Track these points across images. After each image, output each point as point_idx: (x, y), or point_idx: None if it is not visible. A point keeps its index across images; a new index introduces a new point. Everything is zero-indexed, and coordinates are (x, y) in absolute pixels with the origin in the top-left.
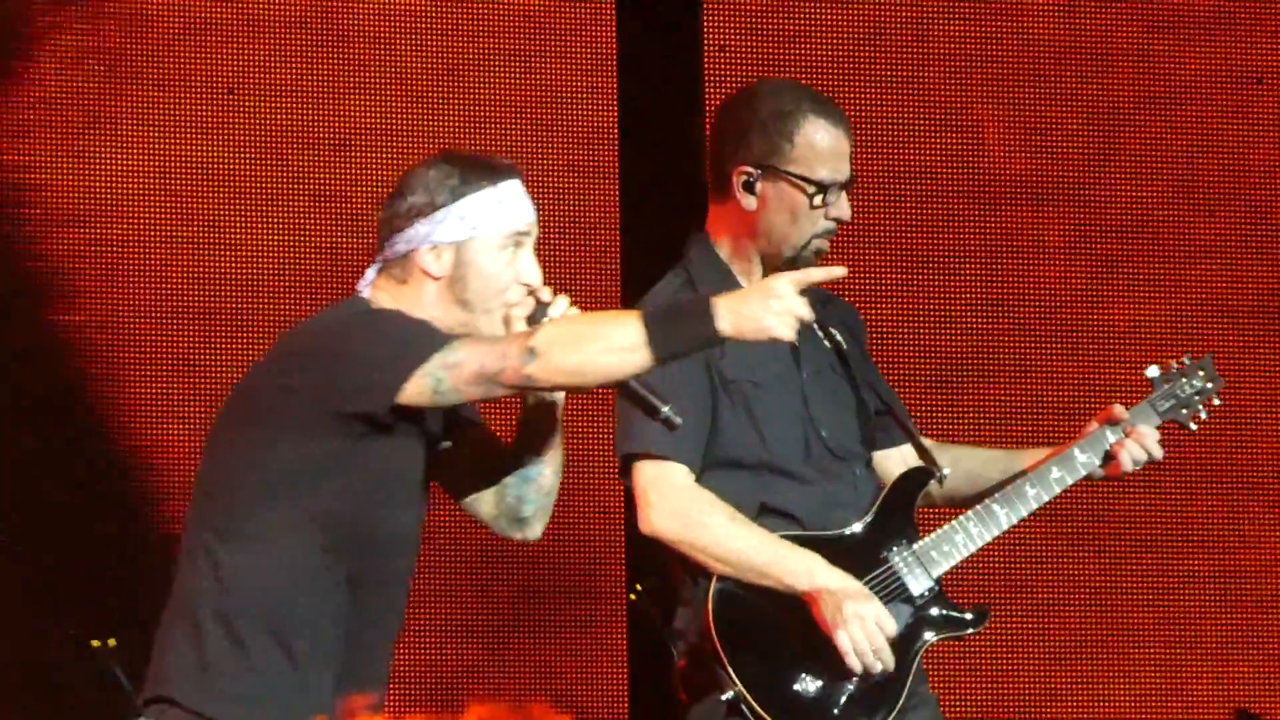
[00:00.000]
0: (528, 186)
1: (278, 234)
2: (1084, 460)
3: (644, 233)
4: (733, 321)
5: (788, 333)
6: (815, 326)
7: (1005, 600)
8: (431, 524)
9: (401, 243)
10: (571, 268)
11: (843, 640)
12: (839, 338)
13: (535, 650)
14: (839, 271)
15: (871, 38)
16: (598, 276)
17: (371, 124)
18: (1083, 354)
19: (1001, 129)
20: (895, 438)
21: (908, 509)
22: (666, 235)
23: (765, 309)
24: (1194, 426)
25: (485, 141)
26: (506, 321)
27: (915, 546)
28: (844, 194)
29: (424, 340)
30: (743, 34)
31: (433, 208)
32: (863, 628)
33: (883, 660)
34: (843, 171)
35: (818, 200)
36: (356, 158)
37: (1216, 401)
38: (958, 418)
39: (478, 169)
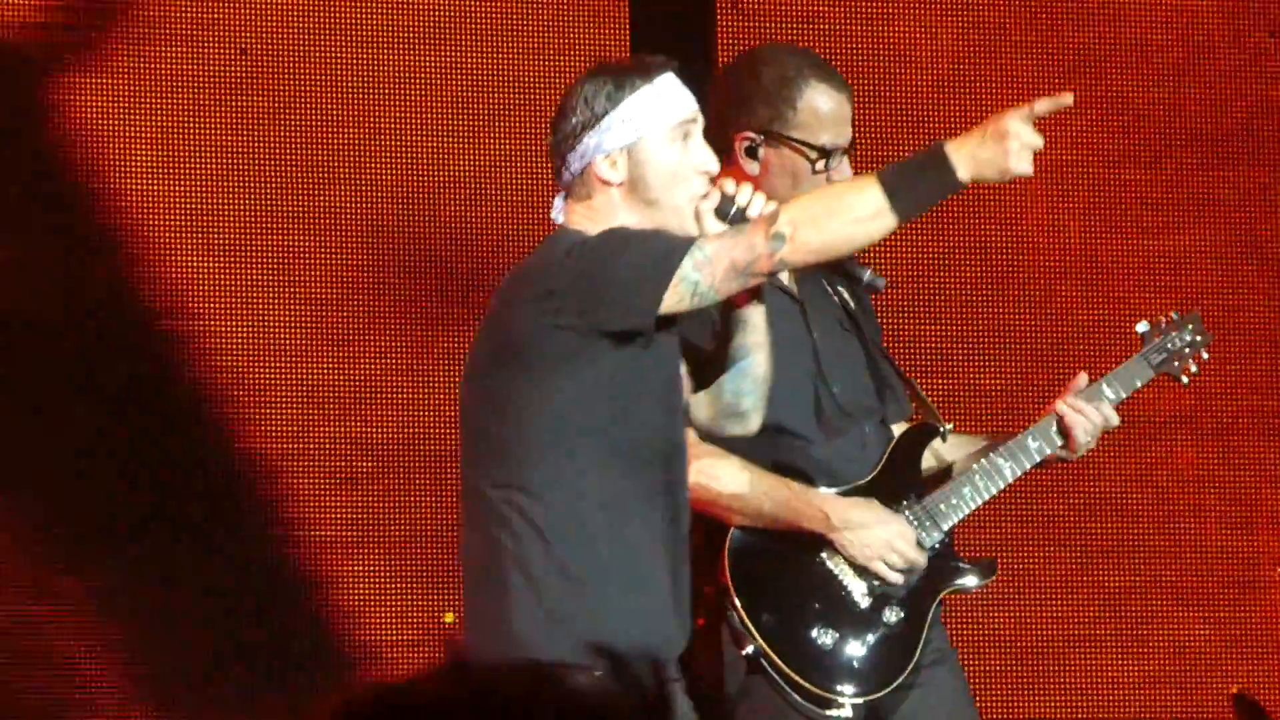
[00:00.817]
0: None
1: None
2: (1048, 434)
3: None
4: (971, 167)
5: (1027, 167)
6: (824, 283)
7: (1003, 592)
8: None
9: (576, 161)
10: None
11: (881, 570)
12: (846, 295)
13: None
14: (1067, 99)
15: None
16: None
17: (388, 121)
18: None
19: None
20: (904, 406)
21: (914, 464)
22: None
23: (1002, 150)
24: (1186, 380)
25: (493, 109)
26: (697, 216)
27: (924, 501)
28: (845, 158)
29: (672, 248)
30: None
31: (596, 118)
32: (894, 549)
33: (916, 564)
34: (844, 136)
35: (820, 165)
36: (378, 155)
37: (1205, 355)
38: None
39: (631, 71)
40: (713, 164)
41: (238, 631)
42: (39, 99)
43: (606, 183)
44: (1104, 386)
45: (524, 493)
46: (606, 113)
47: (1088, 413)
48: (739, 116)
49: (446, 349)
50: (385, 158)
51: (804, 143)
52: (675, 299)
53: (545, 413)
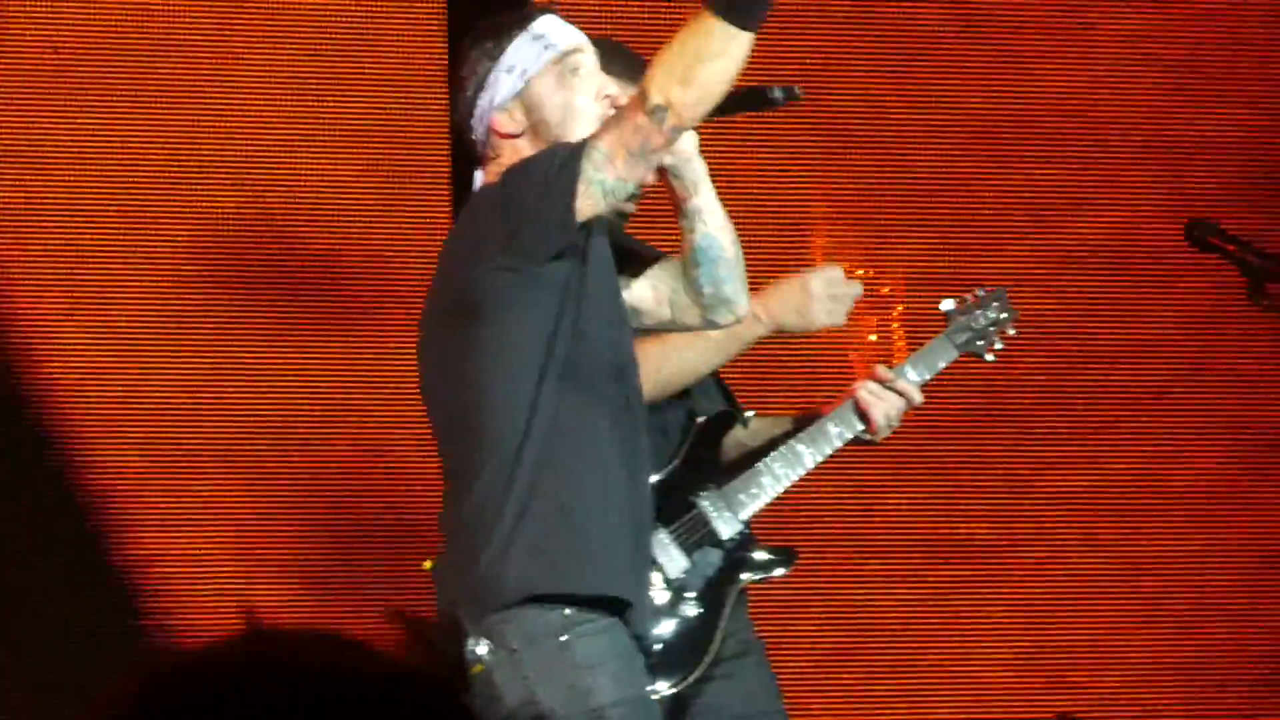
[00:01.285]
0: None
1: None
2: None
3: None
4: None
5: None
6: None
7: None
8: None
9: (478, 126)
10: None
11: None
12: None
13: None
14: None
15: None
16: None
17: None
18: None
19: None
20: (713, 398)
21: (714, 452)
22: None
23: None
24: (990, 357)
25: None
26: None
27: (724, 489)
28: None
29: (567, 156)
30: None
31: (482, 78)
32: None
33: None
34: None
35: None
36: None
37: (1011, 331)
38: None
39: (507, 23)
40: (608, 87)
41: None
42: None
43: (509, 136)
44: (907, 368)
45: (496, 441)
46: (490, 69)
47: (885, 395)
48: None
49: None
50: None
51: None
52: (589, 204)
53: (503, 358)
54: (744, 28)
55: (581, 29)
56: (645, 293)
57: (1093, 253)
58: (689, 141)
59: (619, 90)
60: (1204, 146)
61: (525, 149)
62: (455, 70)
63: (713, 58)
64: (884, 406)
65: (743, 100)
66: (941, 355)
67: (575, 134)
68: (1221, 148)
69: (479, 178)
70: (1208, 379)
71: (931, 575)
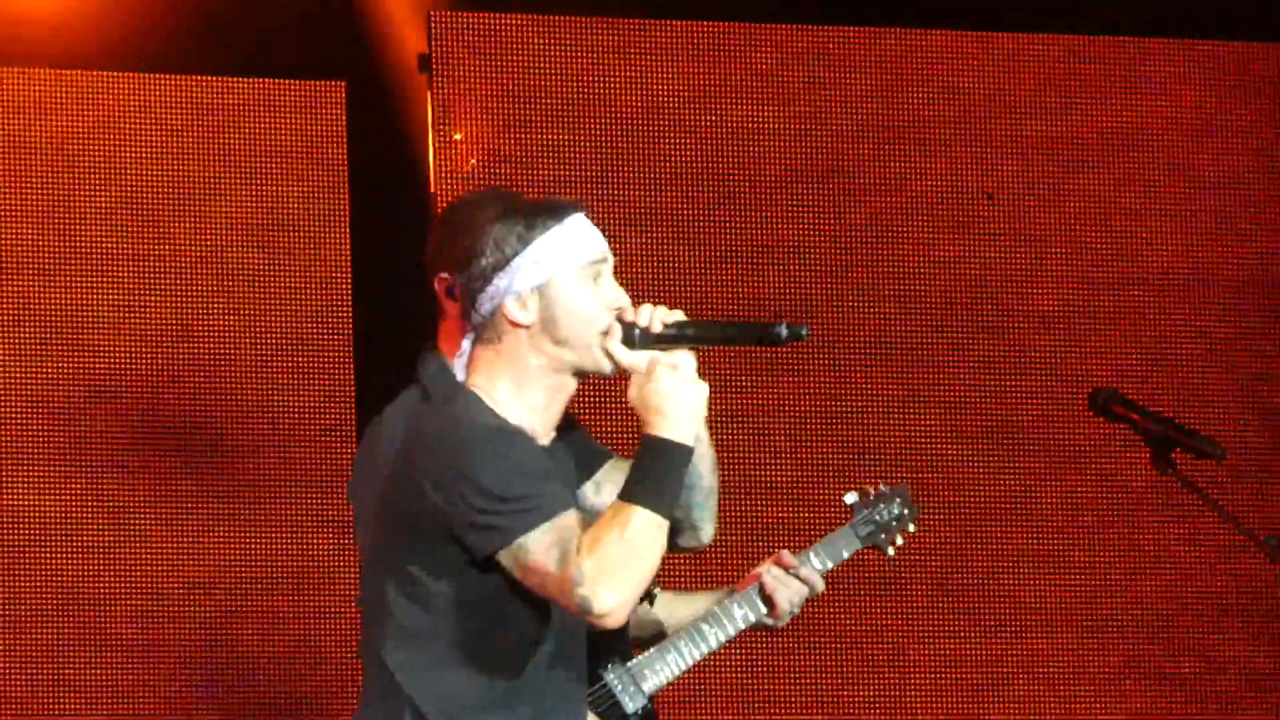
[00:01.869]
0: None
1: None
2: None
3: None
4: (680, 429)
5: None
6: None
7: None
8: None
9: (486, 303)
10: (304, 364)
11: None
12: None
13: None
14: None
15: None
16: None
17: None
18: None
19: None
20: None
21: (621, 628)
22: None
23: (683, 396)
24: (891, 551)
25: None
26: (607, 354)
27: (629, 664)
28: None
29: (517, 519)
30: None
31: (506, 260)
32: None
33: None
34: None
35: None
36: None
37: (912, 528)
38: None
39: (541, 212)
40: (623, 299)
41: None
42: None
43: (516, 324)
44: (810, 555)
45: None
46: (517, 253)
47: (789, 582)
48: (442, 255)
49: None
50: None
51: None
52: (503, 562)
53: (431, 592)
54: (667, 516)
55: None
56: (608, 500)
57: (996, 426)
58: (689, 368)
59: (626, 303)
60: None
61: (524, 341)
62: (471, 238)
63: (645, 556)
64: (787, 593)
65: (748, 336)
66: (845, 545)
67: (582, 338)
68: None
69: (466, 348)
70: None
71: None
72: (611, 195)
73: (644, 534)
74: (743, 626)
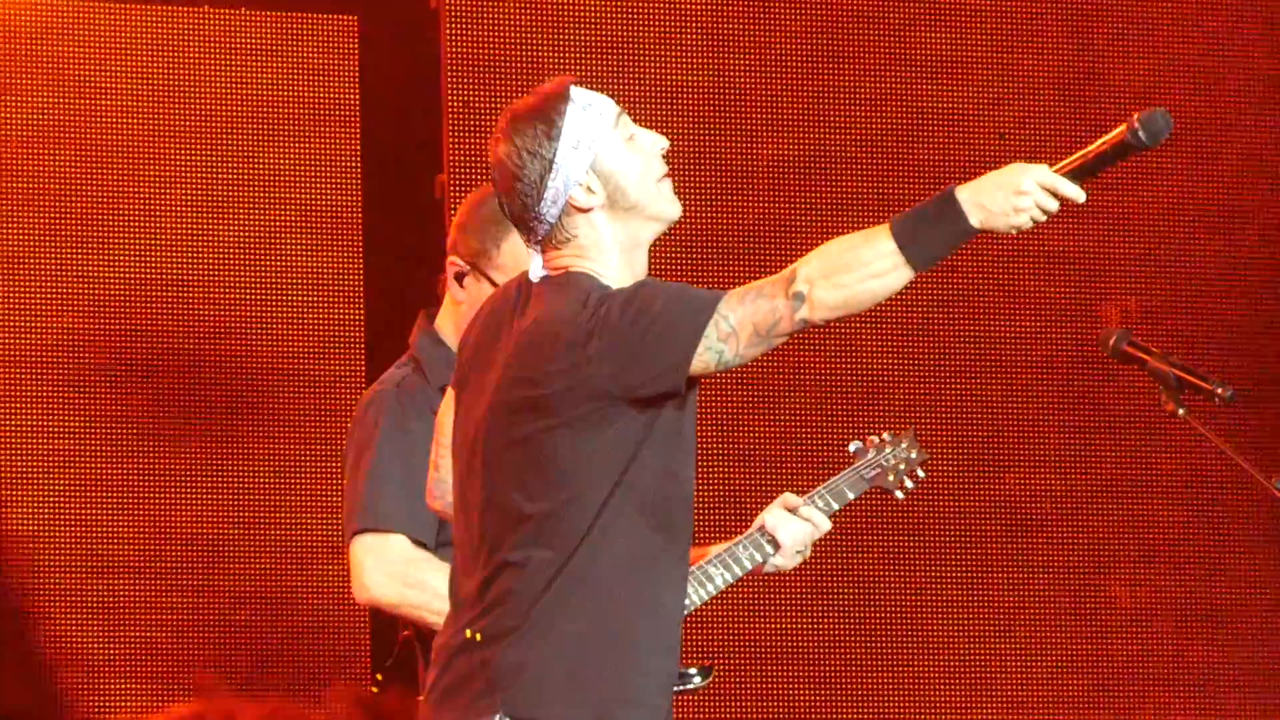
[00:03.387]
0: None
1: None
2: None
3: (385, 281)
4: (981, 216)
5: (1028, 223)
6: None
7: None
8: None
9: (551, 208)
10: (314, 305)
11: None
12: None
13: None
14: (1079, 197)
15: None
16: (341, 313)
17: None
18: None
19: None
20: None
21: None
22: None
23: (1009, 203)
24: (901, 495)
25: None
26: (664, 194)
27: None
28: None
29: (698, 312)
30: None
31: (549, 161)
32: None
33: None
34: None
35: None
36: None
37: (921, 473)
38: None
39: (547, 105)
40: (662, 140)
41: None
42: None
43: (587, 209)
44: (814, 498)
45: (555, 550)
46: (555, 150)
47: (790, 521)
48: (456, 242)
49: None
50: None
51: (495, 284)
52: (701, 365)
53: (580, 472)
54: (912, 264)
55: None
56: None
57: (1006, 358)
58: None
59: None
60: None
61: (601, 223)
62: (502, 166)
63: (871, 275)
64: (790, 531)
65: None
66: (850, 487)
67: (647, 193)
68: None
69: (539, 264)
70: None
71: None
72: None
73: (880, 259)
74: (749, 567)
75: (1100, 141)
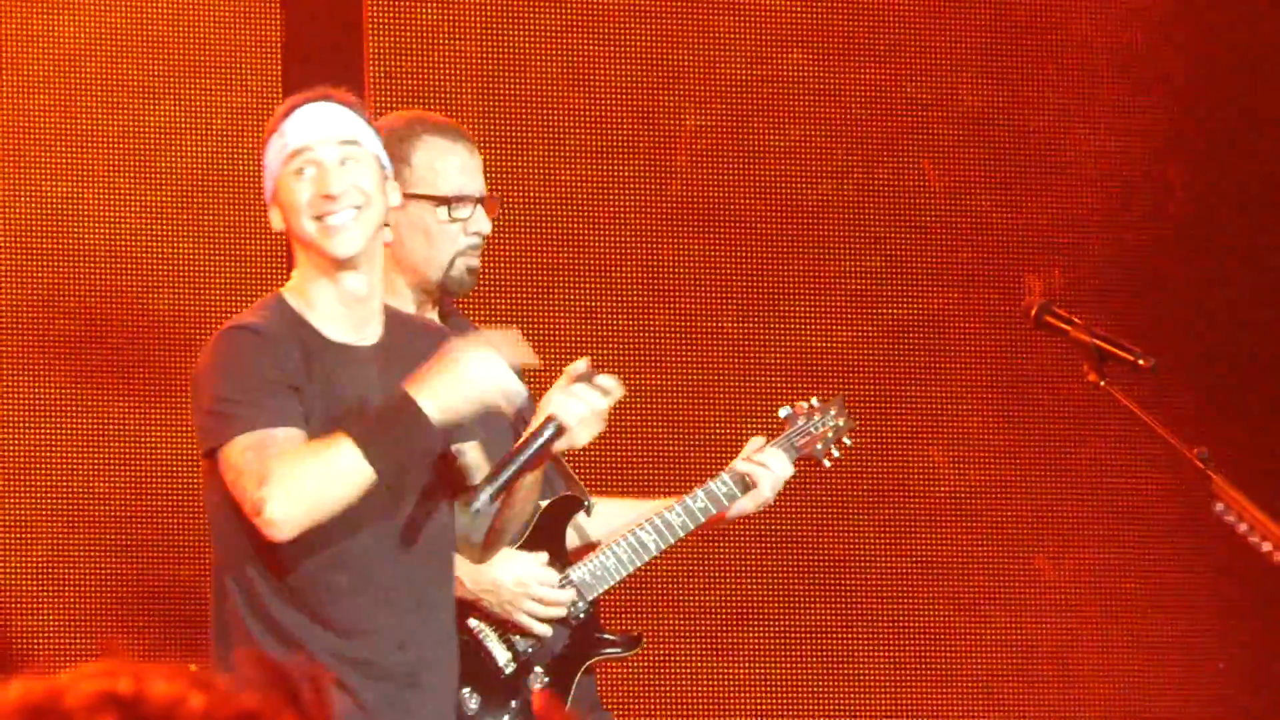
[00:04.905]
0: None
1: None
2: (725, 491)
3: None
4: (439, 406)
5: (501, 400)
6: None
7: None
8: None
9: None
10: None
11: (526, 622)
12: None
13: None
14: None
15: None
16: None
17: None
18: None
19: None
20: (554, 485)
21: (558, 536)
22: None
23: (462, 379)
24: (828, 463)
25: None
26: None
27: (570, 572)
28: (478, 207)
29: (223, 423)
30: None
31: (267, 172)
32: (530, 595)
33: (559, 601)
34: (471, 186)
35: (443, 215)
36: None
37: (848, 441)
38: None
39: (276, 119)
40: (332, 185)
41: None
42: None
43: (280, 232)
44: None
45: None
46: (265, 166)
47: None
48: None
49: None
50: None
51: (425, 196)
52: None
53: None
54: (373, 463)
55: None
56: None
57: (932, 329)
58: (493, 365)
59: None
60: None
61: (296, 246)
62: None
63: (331, 480)
64: (770, 476)
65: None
66: (779, 459)
67: (302, 234)
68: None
69: None
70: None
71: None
72: (559, 112)
73: (342, 465)
74: (681, 534)
75: (525, 435)
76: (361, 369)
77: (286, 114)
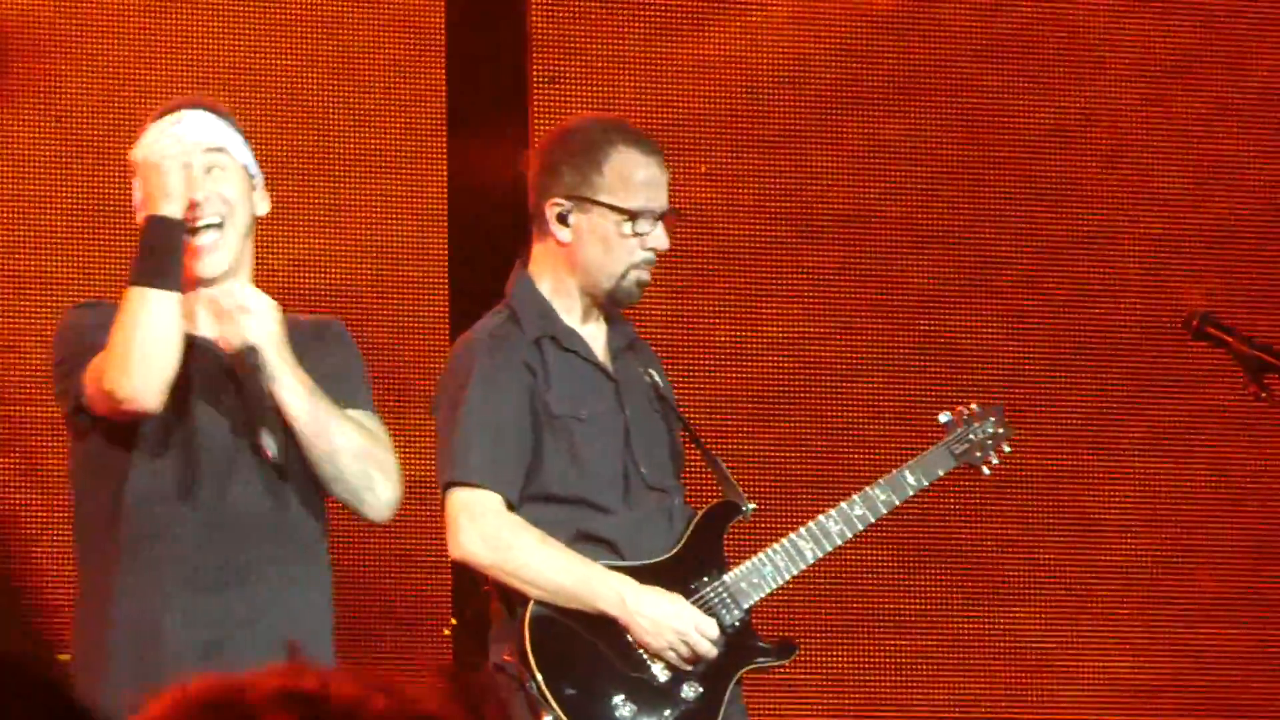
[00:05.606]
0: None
1: None
2: (884, 499)
3: (470, 249)
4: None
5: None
6: (636, 365)
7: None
8: None
9: None
10: (398, 280)
11: (670, 658)
12: (655, 377)
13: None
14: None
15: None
16: (425, 292)
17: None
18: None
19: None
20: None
21: (716, 541)
22: (493, 252)
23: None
24: (988, 471)
25: (311, 147)
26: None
27: (725, 578)
28: (660, 224)
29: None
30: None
31: None
32: (684, 640)
33: (705, 655)
34: (656, 200)
35: (627, 229)
36: None
37: (1007, 448)
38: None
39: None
40: (195, 193)
41: None
42: None
43: None
44: (906, 473)
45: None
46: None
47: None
48: (549, 184)
49: None
50: None
51: (611, 206)
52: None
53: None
54: (162, 287)
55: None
56: None
57: (1096, 344)
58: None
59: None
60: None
61: None
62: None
63: (139, 329)
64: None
65: None
66: (940, 464)
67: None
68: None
69: None
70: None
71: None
72: (710, 108)
73: (135, 311)
74: (839, 542)
75: None
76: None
77: (160, 116)
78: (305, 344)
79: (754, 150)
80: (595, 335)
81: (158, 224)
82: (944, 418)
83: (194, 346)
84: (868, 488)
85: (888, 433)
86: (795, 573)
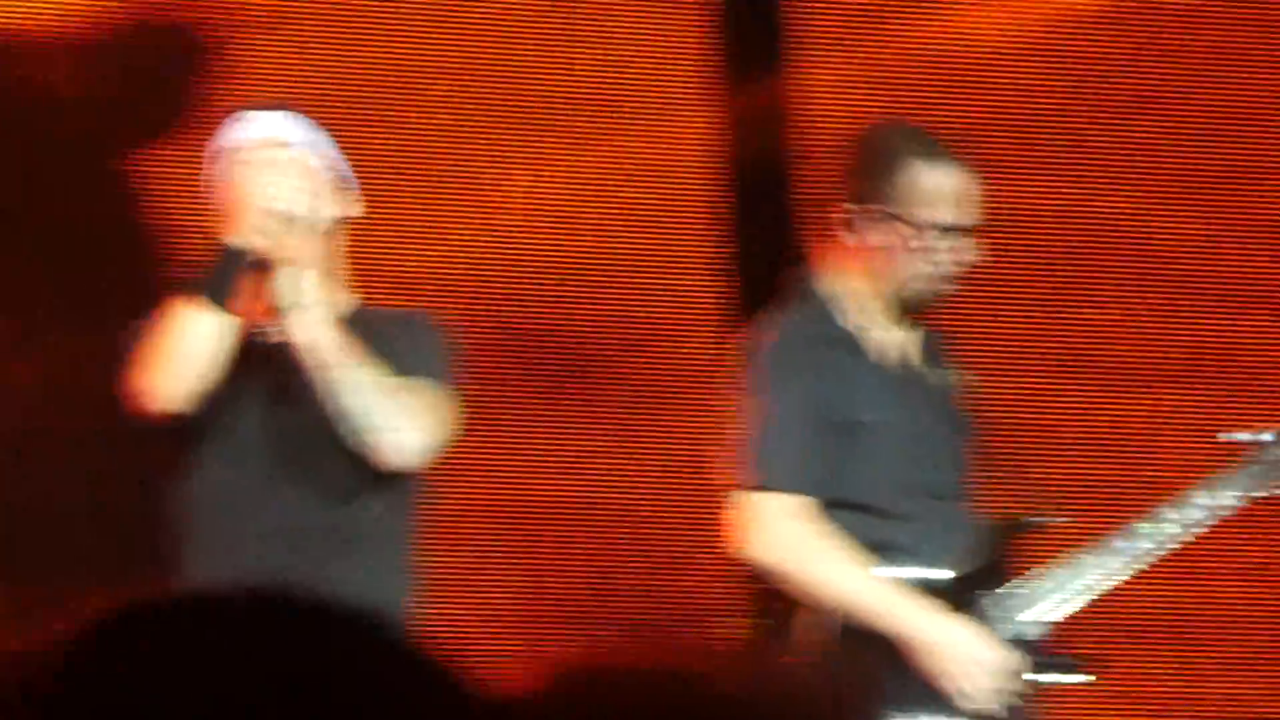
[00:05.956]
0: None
1: None
2: (1179, 518)
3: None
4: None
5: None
6: (932, 370)
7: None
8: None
9: None
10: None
11: (963, 690)
12: (951, 383)
13: None
14: None
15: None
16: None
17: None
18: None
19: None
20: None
21: (1007, 554)
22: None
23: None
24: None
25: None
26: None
27: (1011, 593)
28: (964, 239)
29: None
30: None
31: None
32: (978, 678)
33: (999, 700)
34: (950, 214)
35: (915, 242)
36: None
37: None
38: None
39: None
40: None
41: None
42: None
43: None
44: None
45: None
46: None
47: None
48: (843, 189)
49: None
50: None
51: (898, 218)
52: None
53: None
54: (215, 307)
55: None
56: None
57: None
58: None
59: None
60: None
61: None
62: None
63: (171, 337)
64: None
65: None
66: (1239, 487)
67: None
68: None
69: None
70: None
71: None
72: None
73: (171, 319)
74: (1128, 559)
75: None
76: None
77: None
78: (383, 331)
79: (1005, 148)
80: (890, 339)
81: (225, 250)
82: (1241, 438)
83: (260, 347)
84: (1162, 507)
85: (1180, 448)
86: (1081, 589)
